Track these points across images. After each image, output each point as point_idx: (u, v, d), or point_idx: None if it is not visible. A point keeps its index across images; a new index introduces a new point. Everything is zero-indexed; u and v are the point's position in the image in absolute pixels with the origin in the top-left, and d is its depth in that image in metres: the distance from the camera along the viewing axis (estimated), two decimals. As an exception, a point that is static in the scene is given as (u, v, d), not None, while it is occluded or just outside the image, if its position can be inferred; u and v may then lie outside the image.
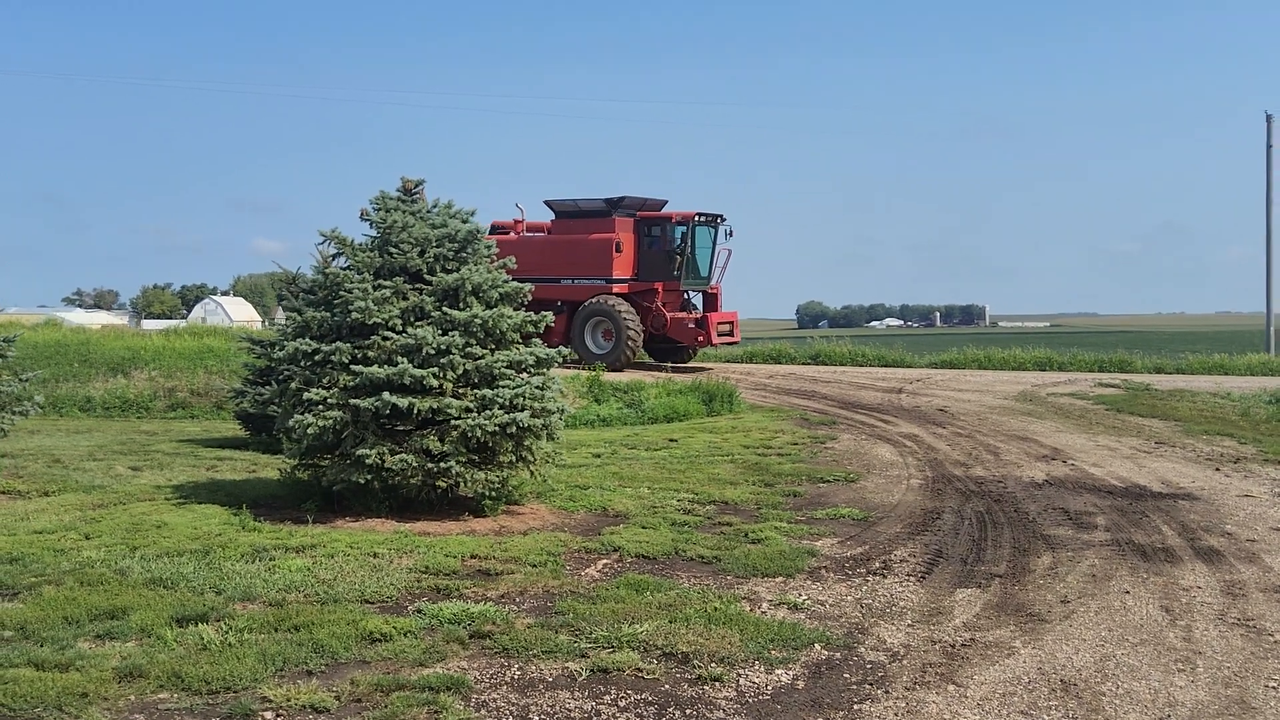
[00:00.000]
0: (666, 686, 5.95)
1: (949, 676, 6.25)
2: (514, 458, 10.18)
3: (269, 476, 12.55)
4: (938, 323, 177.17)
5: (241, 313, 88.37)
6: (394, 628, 6.63)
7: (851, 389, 23.43)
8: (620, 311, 25.99)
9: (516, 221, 28.90)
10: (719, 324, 27.00)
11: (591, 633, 6.71)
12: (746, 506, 11.41)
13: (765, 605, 7.65)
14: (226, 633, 6.43)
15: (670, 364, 27.29)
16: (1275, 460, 14.63)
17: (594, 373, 21.91)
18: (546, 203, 28.36)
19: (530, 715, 5.52)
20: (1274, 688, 6.11)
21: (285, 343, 10.36)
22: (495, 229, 28.25)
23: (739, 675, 6.15)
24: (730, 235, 27.94)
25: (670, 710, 5.63)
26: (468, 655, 6.35)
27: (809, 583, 8.38)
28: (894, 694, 5.95)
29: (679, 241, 26.87)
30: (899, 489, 12.68)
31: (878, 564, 9.07)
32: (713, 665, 6.25)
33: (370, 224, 10.80)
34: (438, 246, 10.45)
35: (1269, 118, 33.36)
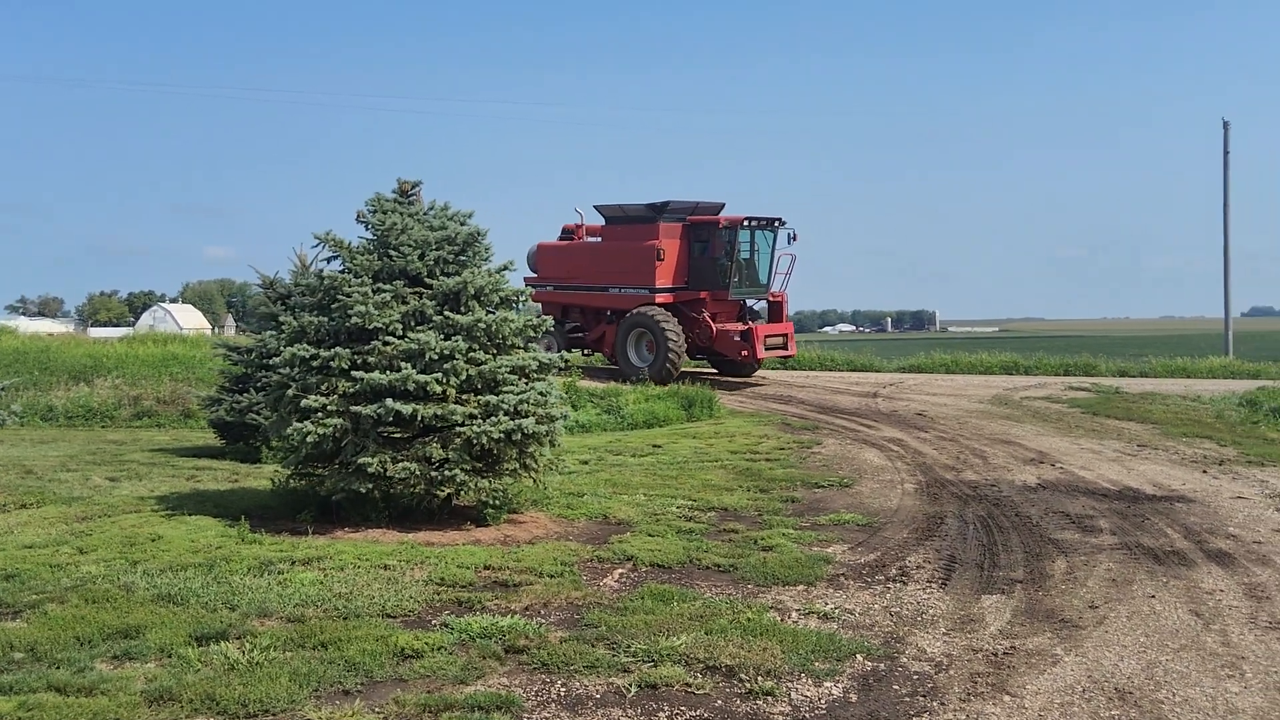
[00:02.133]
0: (719, 702, 5.76)
1: (1001, 687, 6.12)
2: (518, 465, 9.94)
3: (255, 486, 12.19)
4: (889, 328, 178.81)
5: (191, 320, 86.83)
6: (425, 643, 6.37)
7: (827, 394, 23.37)
8: (660, 322, 24.04)
9: (578, 226, 27.46)
10: (768, 336, 24.97)
11: (629, 646, 6.50)
12: (747, 513, 11.25)
13: (795, 615, 7.49)
14: (251, 651, 6.14)
15: (735, 378, 25.73)
16: (1258, 462, 14.72)
17: (570, 379, 21.65)
18: (596, 207, 26.79)
19: (583, 734, 5.31)
20: (1327, 693, 6.04)
21: (281, 349, 10.02)
22: (564, 233, 27.41)
23: (789, 689, 5.97)
24: (794, 240, 25.68)
25: (729, 727, 5.44)
26: (507, 671, 6.12)
27: (832, 591, 8.22)
28: (950, 706, 5.81)
29: (728, 247, 24.93)
30: (895, 494, 12.59)
31: (895, 570, 8.94)
32: (760, 679, 6.07)
33: (366, 226, 10.51)
34: (438, 249, 10.19)
35: (1226, 125, 33.91)
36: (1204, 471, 14.06)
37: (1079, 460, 14.96)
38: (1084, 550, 9.64)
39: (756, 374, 26.65)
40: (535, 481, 10.27)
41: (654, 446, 16.17)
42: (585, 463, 14.64)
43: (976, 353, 31.17)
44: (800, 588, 8.28)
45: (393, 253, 10.08)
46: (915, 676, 6.30)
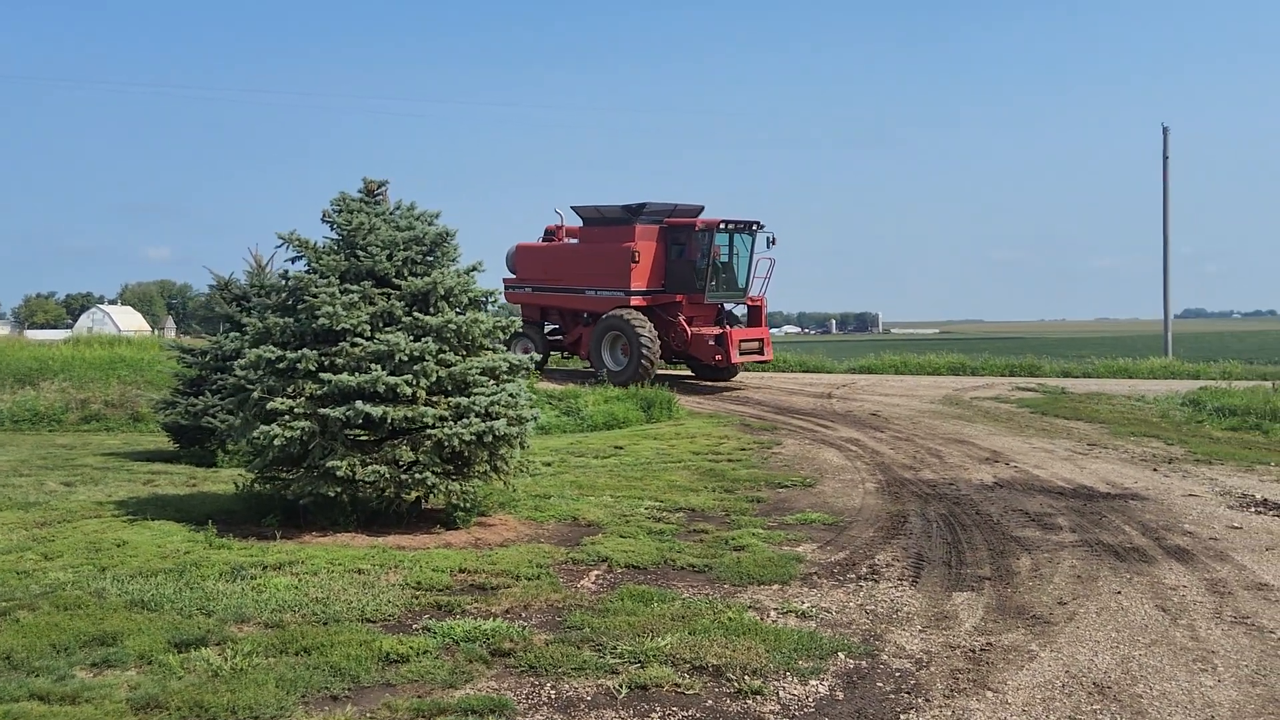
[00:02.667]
0: (710, 702, 5.78)
1: (982, 683, 6.21)
2: (489, 467, 9.89)
3: (215, 490, 12.02)
4: (834, 330, 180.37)
5: (130, 322, 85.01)
6: (410, 648, 6.33)
7: (783, 395, 23.53)
8: (635, 325, 23.63)
9: (559, 227, 27.13)
10: (743, 341, 24.55)
11: (615, 647, 6.51)
12: (715, 513, 11.31)
13: (773, 614, 7.54)
14: (233, 657, 6.06)
15: (714, 381, 25.50)
16: (1206, 460, 15.06)
17: (529, 380, 21.55)
18: (573, 208, 26.49)
19: (577, 736, 5.31)
20: (1296, 685, 6.21)
21: (245, 350, 9.88)
22: (547, 234, 27.08)
23: (777, 688, 6.02)
24: (773, 243, 25.23)
25: (722, 726, 5.47)
26: (494, 675, 6.09)
27: (806, 590, 8.29)
28: (935, 703, 5.89)
29: (704, 250, 24.51)
30: (857, 493, 12.71)
31: (865, 569, 9.03)
32: (747, 678, 6.11)
33: (332, 226, 10.40)
34: (406, 249, 10.11)
35: (1165, 130, 34.65)
36: (1155, 470, 14.35)
37: (1032, 459, 15.20)
38: (1047, 547, 9.80)
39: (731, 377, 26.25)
40: (506, 484, 10.23)
41: (616, 448, 16.18)
42: (548, 465, 14.60)
43: (925, 354, 31.58)
44: (775, 587, 8.34)
45: (360, 253, 9.99)
46: (898, 673, 6.38)
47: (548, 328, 26.94)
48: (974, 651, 6.78)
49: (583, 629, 6.89)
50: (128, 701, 5.39)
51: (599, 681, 6.01)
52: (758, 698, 5.85)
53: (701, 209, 25.53)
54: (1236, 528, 10.67)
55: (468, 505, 10.04)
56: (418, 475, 9.47)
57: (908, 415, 20.27)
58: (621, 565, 8.83)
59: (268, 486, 10.21)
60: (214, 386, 14.59)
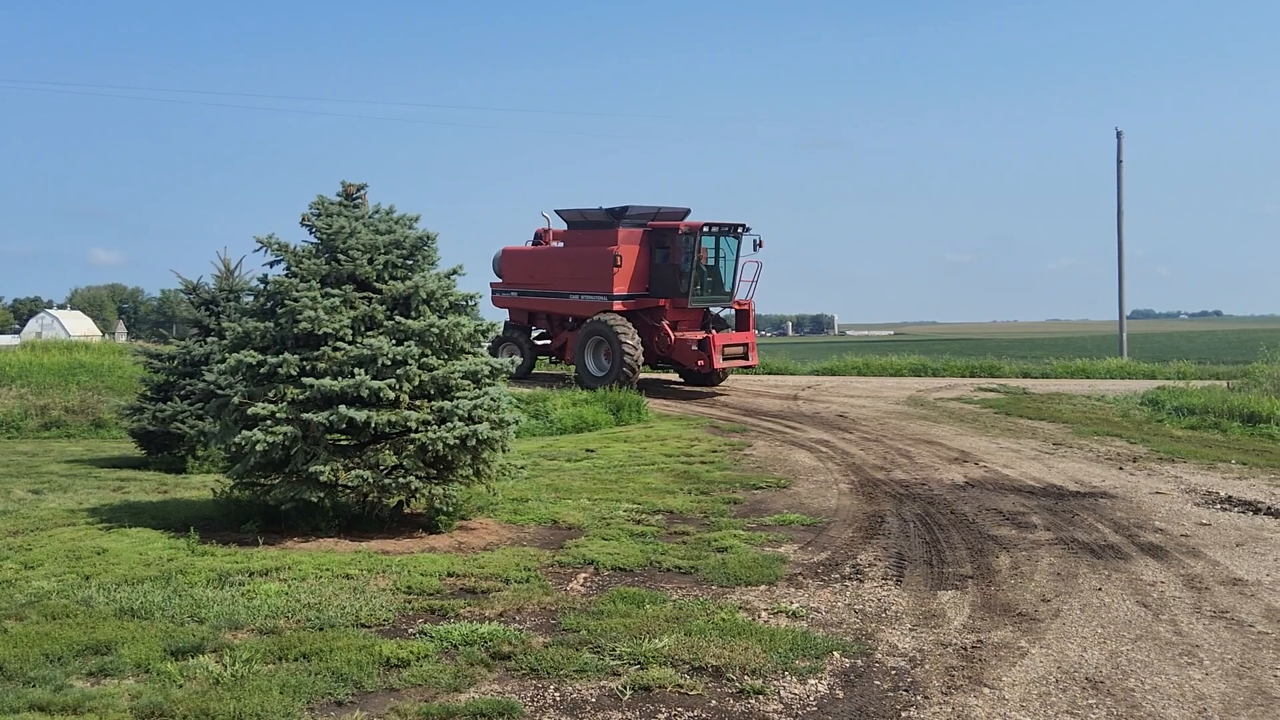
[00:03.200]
0: (714, 702, 5.82)
1: (978, 679, 6.30)
2: (471, 471, 9.88)
3: (188, 497, 11.90)
4: (790, 332, 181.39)
5: (80, 327, 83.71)
6: (410, 652, 6.31)
7: (749, 396, 23.66)
8: (617, 330, 23.20)
9: (547, 230, 26.60)
10: (726, 346, 23.97)
11: (614, 649, 6.53)
12: (693, 515, 11.35)
13: (764, 614, 7.59)
14: (232, 665, 6.01)
15: (702, 387, 24.91)
16: (1169, 459, 15.34)
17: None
18: (557, 211, 25.97)
19: (584, 738, 5.33)
20: (1281, 677, 6.36)
21: (226, 355, 9.78)
22: (537, 238, 26.61)
23: (778, 687, 6.07)
24: (759, 246, 24.75)
25: (728, 726, 5.51)
26: (496, 678, 6.09)
27: (794, 590, 8.35)
28: (934, 700, 5.96)
29: (687, 254, 24.00)
30: (832, 493, 12.81)
31: (849, 569, 9.11)
32: (746, 678, 6.16)
33: (310, 230, 10.34)
34: (386, 253, 10.07)
35: (1119, 134, 35.21)
36: (1120, 468, 14.59)
37: (1001, 459, 15.40)
38: (1023, 546, 9.94)
39: (675, 376, 26.24)
40: (488, 487, 10.22)
41: (587, 451, 16.19)
42: (521, 468, 14.57)
43: (887, 355, 31.89)
44: (762, 588, 8.39)
45: (341, 257, 9.93)
46: (893, 672, 6.45)
47: (535, 333, 26.56)
48: (966, 649, 6.87)
49: (579, 631, 6.90)
50: (131, 710, 5.33)
51: (601, 683, 6.03)
52: (760, 697, 5.90)
53: (688, 212, 25.18)
54: (1205, 524, 10.88)
55: (450, 509, 10.01)
56: (401, 479, 9.43)
57: (874, 416, 20.46)
58: (608, 568, 8.85)
59: (246, 493, 10.12)
60: (183, 392, 14.43)
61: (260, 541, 9.33)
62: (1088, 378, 29.49)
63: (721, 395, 24.14)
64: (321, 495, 9.45)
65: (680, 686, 5.97)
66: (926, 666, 6.54)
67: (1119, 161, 35.11)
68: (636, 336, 23.45)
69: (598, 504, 11.78)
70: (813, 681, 6.20)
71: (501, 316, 27.15)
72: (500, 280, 26.68)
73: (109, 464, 15.03)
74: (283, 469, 9.59)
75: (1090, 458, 15.56)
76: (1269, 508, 11.77)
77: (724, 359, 23.74)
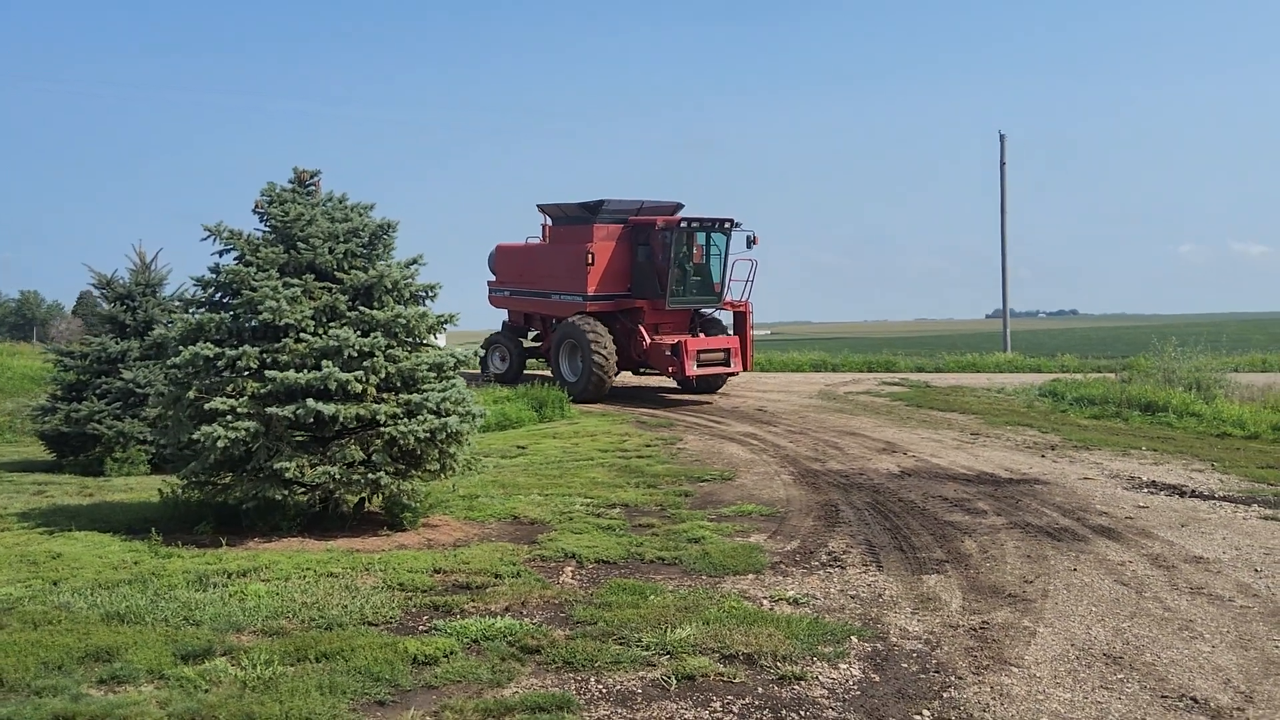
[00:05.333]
0: (760, 689, 5.77)
1: (1000, 659, 6.39)
2: (439, 465, 9.62)
3: (119, 500, 11.31)
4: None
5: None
6: (435, 649, 6.08)
7: (665, 392, 23.68)
8: (586, 334, 21.78)
9: (545, 225, 24.95)
10: (702, 351, 22.13)
11: (639, 640, 6.42)
12: (650, 508, 11.27)
13: (766, 602, 7.57)
14: (251, 667, 5.70)
15: (703, 394, 23.35)
16: (1084, 446, 15.90)
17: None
18: (539, 206, 24.56)
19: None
20: None
21: (179, 348, 9.29)
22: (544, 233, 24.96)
23: (817, 672, 6.05)
24: (754, 243, 23.03)
25: (783, 713, 5.47)
26: (532, 672, 5.92)
27: (781, 578, 8.36)
28: (967, 680, 6.02)
29: (664, 252, 22.47)
30: (776, 484, 12.89)
31: (825, 557, 9.16)
32: (779, 664, 6.13)
33: (262, 218, 9.92)
34: (346, 241, 9.73)
35: (1002, 137, 36.43)
36: (1042, 456, 15.07)
37: (927, 449, 15.74)
38: (982, 531, 10.15)
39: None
40: (454, 483, 9.98)
41: (519, 448, 15.97)
42: (485, 459, 14.27)
43: (789, 352, 32.37)
44: (751, 576, 8.38)
45: (301, 245, 9.55)
46: (914, 654, 6.50)
47: (532, 334, 25.25)
48: (975, 630, 6.97)
49: (595, 623, 6.77)
50: (168, 717, 4.99)
51: (640, 674, 5.92)
52: (801, 683, 5.87)
53: (678, 206, 23.78)
54: (1143, 507, 11.29)
55: (416, 505, 9.74)
56: (371, 475, 9.12)
57: (792, 410, 20.71)
58: (591, 561, 8.72)
59: (197, 493, 9.65)
60: (99, 391, 13.71)
61: (223, 542, 8.90)
62: (978, 371, 30.46)
63: (638, 391, 24.10)
64: (285, 493, 9.07)
65: (722, 675, 5.90)
66: (945, 648, 6.60)
67: (1002, 164, 36.31)
68: (609, 341, 22.07)
69: (550, 499, 11.60)
70: (843, 666, 6.20)
71: (502, 317, 26.12)
72: (494, 279, 25.48)
73: (17, 468, 14.17)
74: (242, 467, 9.17)
75: (1010, 446, 16.02)
76: (1193, 490, 12.29)
77: (699, 365, 22.06)
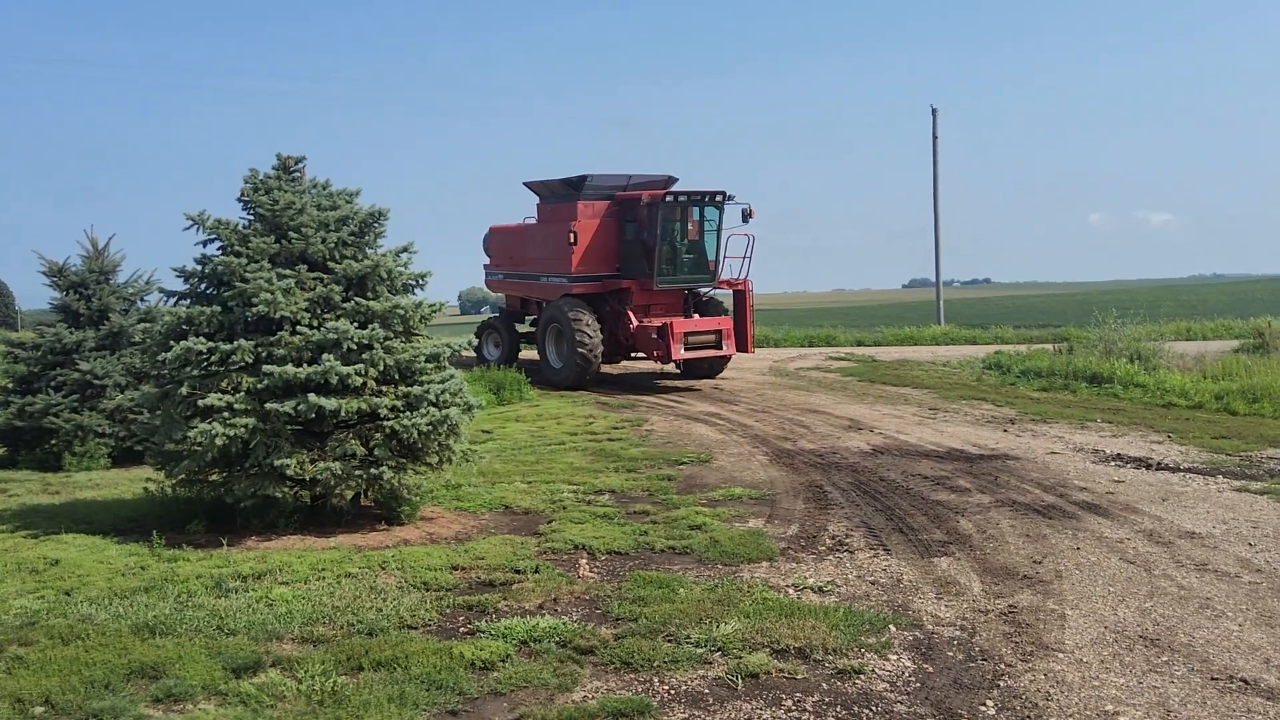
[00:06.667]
0: (824, 685, 5.78)
1: (1040, 644, 6.49)
2: (438, 458, 9.46)
3: (92, 497, 10.94)
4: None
5: None
6: (489, 653, 5.99)
7: (618, 371, 23.59)
8: (570, 317, 20.59)
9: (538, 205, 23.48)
10: (689, 334, 20.86)
11: (688, 636, 6.40)
12: (637, 493, 11.24)
13: (791, 591, 7.59)
14: (310, 679, 5.54)
15: (706, 379, 22.29)
16: (1042, 420, 16.22)
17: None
18: (525, 184, 23.15)
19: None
20: (1299, 623, 6.83)
21: (170, 343, 8.97)
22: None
23: (872, 664, 6.08)
24: (750, 217, 21.72)
25: (855, 709, 5.49)
26: (592, 674, 5.86)
27: (795, 565, 8.39)
28: (1018, 668, 6.11)
29: (650, 228, 21.12)
30: (755, 465, 12.93)
31: (829, 541, 9.22)
32: (831, 657, 6.15)
33: (246, 207, 9.61)
34: (336, 230, 9.47)
35: (934, 111, 36.88)
36: (1004, 430, 15.34)
37: (891, 425, 15.92)
38: (973, 510, 10.30)
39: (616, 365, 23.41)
40: (452, 474, 9.83)
41: (484, 432, 15.77)
42: (479, 450, 14.04)
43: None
44: (765, 564, 8.40)
45: (292, 235, 9.27)
46: (955, 641, 6.57)
47: (529, 319, 23.99)
48: (1006, 615, 7.07)
49: (636, 620, 6.72)
50: (247, 736, 4.84)
51: (700, 673, 5.89)
52: (861, 676, 5.90)
53: (670, 180, 22.36)
54: (1119, 481, 11.57)
55: (417, 498, 9.58)
56: (373, 470, 8.93)
57: (749, 387, 20.79)
58: (603, 552, 8.66)
59: (187, 491, 9.36)
60: (54, 383, 13.22)
61: (223, 542, 8.65)
62: (915, 344, 30.94)
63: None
64: (286, 490, 8.85)
65: (782, 671, 5.90)
66: (983, 635, 6.69)
67: (934, 138, 36.77)
68: (594, 324, 20.86)
69: (535, 486, 11.50)
70: (893, 657, 6.25)
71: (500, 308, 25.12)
72: (489, 261, 24.59)
73: (-36, 464, 13.61)
74: (238, 464, 8.91)
75: (971, 421, 16.28)
76: (1159, 463, 12.61)
77: (686, 349, 20.80)
